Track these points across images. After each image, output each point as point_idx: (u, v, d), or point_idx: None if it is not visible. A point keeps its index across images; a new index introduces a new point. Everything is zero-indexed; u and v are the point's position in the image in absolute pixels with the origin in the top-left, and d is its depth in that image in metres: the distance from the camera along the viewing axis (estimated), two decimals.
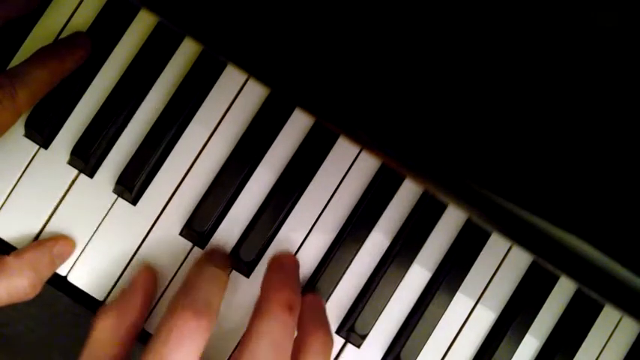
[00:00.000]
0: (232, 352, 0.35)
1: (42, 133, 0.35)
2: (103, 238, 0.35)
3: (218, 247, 0.35)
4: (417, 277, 0.36)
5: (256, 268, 0.35)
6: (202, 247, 0.35)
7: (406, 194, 0.36)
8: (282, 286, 0.31)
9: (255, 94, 0.36)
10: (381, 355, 0.36)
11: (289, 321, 0.30)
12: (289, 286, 0.31)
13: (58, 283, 0.35)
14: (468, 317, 0.36)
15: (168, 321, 0.27)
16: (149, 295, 0.33)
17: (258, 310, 0.30)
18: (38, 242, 0.34)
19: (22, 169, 0.35)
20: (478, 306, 0.36)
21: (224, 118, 0.36)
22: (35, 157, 0.35)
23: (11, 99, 0.31)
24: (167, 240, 0.35)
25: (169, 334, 0.27)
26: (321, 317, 0.33)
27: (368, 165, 0.36)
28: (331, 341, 0.32)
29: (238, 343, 0.35)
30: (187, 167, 0.35)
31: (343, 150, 0.36)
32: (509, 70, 0.24)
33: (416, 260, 0.36)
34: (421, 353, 0.35)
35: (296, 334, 0.31)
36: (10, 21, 0.34)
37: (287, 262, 0.34)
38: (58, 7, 0.35)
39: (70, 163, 0.35)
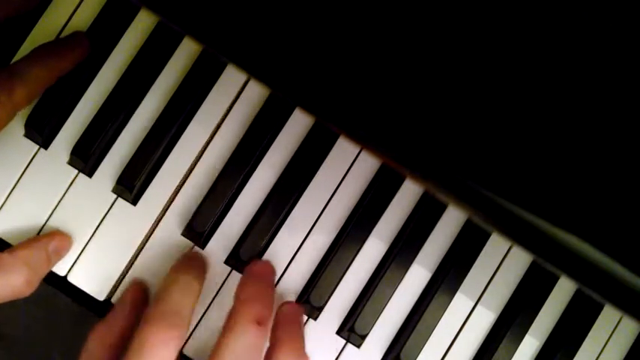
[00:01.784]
0: None
1: (42, 133, 0.35)
2: (103, 238, 0.35)
3: (196, 253, 0.35)
4: (417, 278, 0.36)
5: None
6: (203, 247, 0.35)
7: (406, 194, 0.36)
8: (253, 300, 0.31)
9: (255, 94, 0.36)
10: (381, 355, 0.36)
11: (257, 335, 0.29)
12: (260, 299, 0.31)
13: (58, 282, 0.35)
14: (468, 317, 0.36)
15: (141, 332, 0.28)
16: (138, 306, 0.33)
17: (228, 324, 0.30)
18: (33, 239, 0.34)
19: (22, 169, 0.35)
20: (478, 306, 0.36)
21: (224, 118, 0.36)
22: (35, 157, 0.35)
23: (9, 96, 0.31)
24: (167, 240, 0.35)
25: (142, 345, 0.27)
26: (295, 327, 0.33)
27: (368, 165, 0.36)
28: (304, 353, 0.31)
29: None
30: (187, 167, 0.35)
31: (343, 150, 0.36)
32: (509, 70, 0.24)
33: (416, 260, 0.36)
34: (421, 353, 0.35)
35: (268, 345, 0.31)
36: (10, 20, 0.34)
37: (261, 272, 0.34)
38: (58, 6, 0.35)
39: (70, 163, 0.35)
